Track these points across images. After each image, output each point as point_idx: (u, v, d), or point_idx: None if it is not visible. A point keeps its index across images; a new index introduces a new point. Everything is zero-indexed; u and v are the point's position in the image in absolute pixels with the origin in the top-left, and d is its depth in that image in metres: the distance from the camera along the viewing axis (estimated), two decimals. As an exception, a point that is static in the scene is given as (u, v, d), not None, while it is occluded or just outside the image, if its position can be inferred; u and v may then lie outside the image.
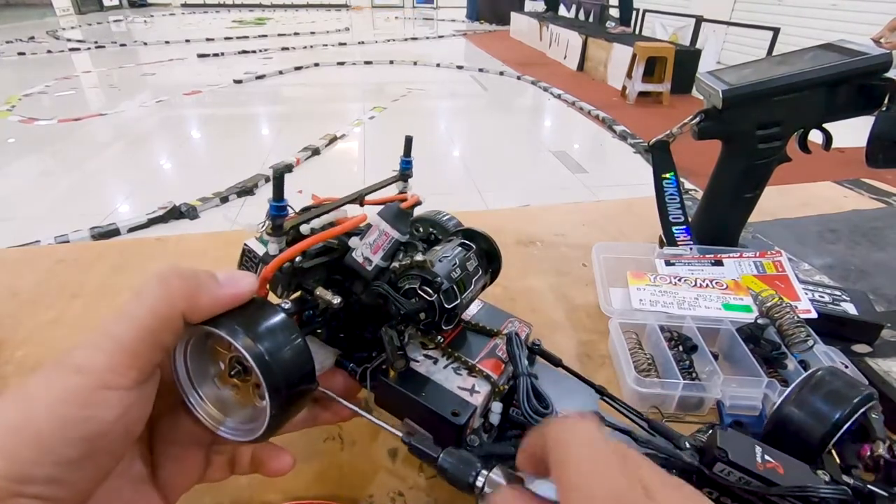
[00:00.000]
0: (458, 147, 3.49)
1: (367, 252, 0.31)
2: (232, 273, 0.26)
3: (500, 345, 0.35)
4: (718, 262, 0.58)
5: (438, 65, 5.95)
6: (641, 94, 4.43)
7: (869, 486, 0.29)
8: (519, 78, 5.37)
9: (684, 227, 0.60)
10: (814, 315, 0.49)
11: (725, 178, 0.58)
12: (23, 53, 6.26)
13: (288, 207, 0.29)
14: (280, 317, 0.26)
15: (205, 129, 3.75)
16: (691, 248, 0.59)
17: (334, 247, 0.33)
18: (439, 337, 0.34)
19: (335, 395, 0.30)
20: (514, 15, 8.31)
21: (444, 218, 0.41)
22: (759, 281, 0.54)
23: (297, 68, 5.62)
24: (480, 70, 5.68)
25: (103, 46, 6.82)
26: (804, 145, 0.57)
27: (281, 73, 5.42)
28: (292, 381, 0.25)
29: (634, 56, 4.39)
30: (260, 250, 0.31)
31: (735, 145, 0.56)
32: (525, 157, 3.32)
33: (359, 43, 7.65)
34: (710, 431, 0.30)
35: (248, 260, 0.32)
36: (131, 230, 2.21)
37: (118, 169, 2.99)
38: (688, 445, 0.29)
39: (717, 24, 5.52)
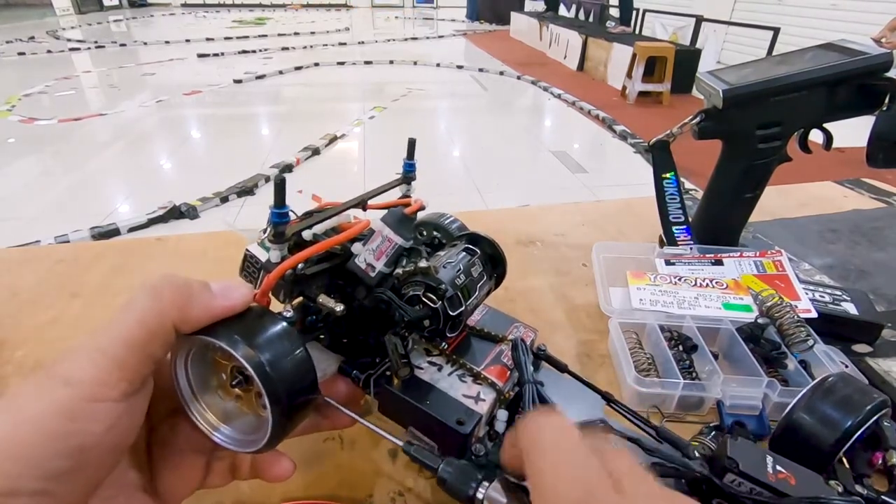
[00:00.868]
0: (458, 147, 3.49)
1: (370, 258, 0.31)
2: (226, 283, 0.26)
3: (505, 351, 0.34)
4: (718, 262, 0.58)
5: (438, 65, 5.95)
6: (641, 93, 4.43)
7: (882, 496, 0.29)
8: (519, 78, 5.37)
9: (684, 226, 0.60)
10: (814, 315, 0.49)
11: (725, 178, 0.58)
12: (23, 53, 6.26)
13: (290, 213, 0.29)
14: (281, 326, 0.26)
15: (205, 128, 3.75)
16: (691, 248, 0.59)
17: (337, 252, 0.33)
18: (444, 343, 0.34)
19: (338, 405, 0.29)
20: (514, 15, 8.31)
21: (448, 221, 0.41)
22: (759, 280, 0.54)
23: (298, 68, 5.62)
24: (480, 70, 5.68)
25: (103, 46, 6.82)
26: (804, 145, 0.57)
27: (281, 72, 5.41)
28: (294, 390, 0.25)
29: (634, 56, 4.39)
30: (262, 256, 0.30)
31: (735, 145, 0.56)
32: (525, 157, 3.32)
33: (359, 43, 7.65)
34: (720, 440, 0.29)
35: (250, 265, 0.32)
36: (131, 230, 2.21)
37: (118, 169, 2.99)
38: (697, 455, 0.29)
39: (717, 23, 5.51)
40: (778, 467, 0.27)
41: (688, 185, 2.36)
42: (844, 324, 0.50)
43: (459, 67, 5.85)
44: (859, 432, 0.31)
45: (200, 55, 6.28)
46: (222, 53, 6.42)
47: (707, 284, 0.53)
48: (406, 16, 12.40)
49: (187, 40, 7.29)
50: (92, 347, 0.22)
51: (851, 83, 0.50)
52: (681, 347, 0.47)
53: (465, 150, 3.43)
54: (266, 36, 7.97)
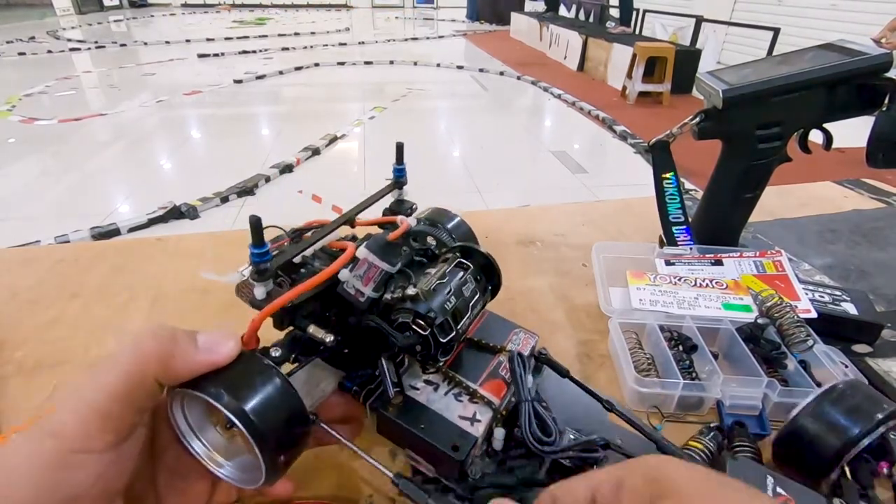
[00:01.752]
0: (459, 147, 3.49)
1: (357, 284, 0.31)
2: (212, 337, 0.25)
3: (503, 362, 0.34)
4: (718, 262, 0.58)
5: (438, 65, 5.95)
6: (641, 94, 4.43)
7: None
8: (519, 78, 5.36)
9: (684, 226, 0.60)
10: (814, 315, 0.49)
11: (725, 178, 0.58)
12: (23, 53, 6.26)
13: (270, 252, 0.28)
14: (266, 372, 0.26)
15: (205, 129, 3.75)
16: (691, 248, 0.59)
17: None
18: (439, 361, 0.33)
19: (332, 430, 0.29)
20: (514, 15, 8.31)
21: (447, 221, 0.40)
22: (759, 281, 0.54)
23: (298, 68, 5.62)
24: (480, 70, 5.68)
25: (103, 46, 6.82)
26: (804, 145, 0.57)
27: (281, 73, 5.41)
28: (282, 435, 0.25)
29: (634, 56, 4.39)
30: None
31: (735, 145, 0.56)
32: (525, 157, 3.32)
33: (359, 43, 7.65)
34: (721, 459, 0.29)
35: (247, 288, 0.32)
36: (131, 230, 2.21)
37: (118, 169, 2.99)
38: None
39: (717, 24, 5.51)
40: (779, 489, 0.26)
41: (688, 185, 2.36)
42: (844, 324, 0.50)
43: (459, 68, 5.85)
44: (867, 441, 0.31)
45: (201, 55, 6.28)
46: (222, 54, 6.42)
47: (707, 284, 0.53)
48: (406, 16, 12.40)
49: (188, 40, 7.29)
50: (77, 399, 0.22)
51: (851, 83, 0.50)
52: (681, 347, 0.47)
53: (466, 150, 3.43)
54: (266, 36, 7.97)
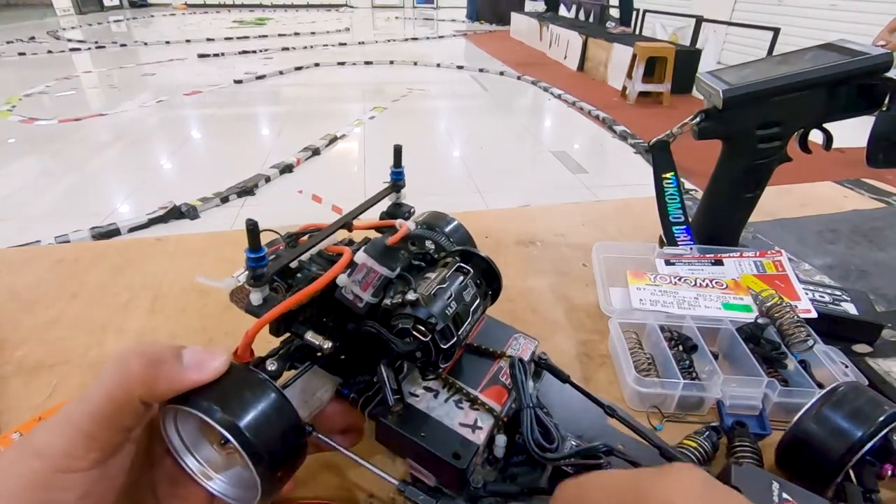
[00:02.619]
0: (459, 147, 3.49)
1: (356, 289, 0.30)
2: (199, 353, 0.25)
3: (503, 368, 0.33)
4: (718, 262, 0.58)
5: (439, 65, 5.95)
6: (641, 94, 4.43)
7: None
8: (519, 78, 5.37)
9: (684, 226, 0.60)
10: (814, 315, 0.49)
11: (725, 178, 0.58)
12: (23, 53, 6.26)
13: (266, 257, 0.28)
14: (260, 387, 0.25)
15: (205, 129, 3.75)
16: (691, 248, 0.59)
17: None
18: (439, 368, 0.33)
19: (332, 443, 0.29)
20: (514, 15, 8.31)
21: (445, 225, 0.40)
22: (759, 280, 0.54)
23: (298, 68, 5.62)
24: (481, 70, 5.68)
25: (104, 46, 6.82)
26: (804, 145, 0.57)
27: (281, 73, 5.42)
28: (278, 450, 0.25)
29: (634, 56, 4.39)
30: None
31: (735, 145, 0.56)
32: (525, 158, 3.32)
33: (359, 43, 7.66)
34: (725, 466, 0.28)
35: (241, 293, 0.31)
36: (131, 230, 2.22)
37: (118, 169, 2.99)
38: None
39: (717, 24, 5.51)
40: (785, 495, 0.26)
41: (688, 185, 2.36)
42: (844, 324, 0.50)
43: (460, 68, 5.85)
44: (870, 444, 0.31)
45: (201, 55, 6.29)
46: (223, 54, 6.42)
47: (707, 284, 0.53)
48: (406, 16, 12.40)
49: (188, 40, 7.30)
50: (63, 420, 0.23)
51: (851, 83, 0.50)
52: (681, 347, 0.47)
53: (466, 150, 3.43)
54: (266, 36, 7.97)
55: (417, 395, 0.31)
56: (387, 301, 0.31)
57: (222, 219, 2.39)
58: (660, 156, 0.60)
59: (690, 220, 0.61)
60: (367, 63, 6.08)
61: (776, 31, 4.60)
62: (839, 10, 4.99)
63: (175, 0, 12.64)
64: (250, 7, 12.87)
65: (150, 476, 0.27)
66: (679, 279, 0.54)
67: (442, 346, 0.30)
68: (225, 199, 2.52)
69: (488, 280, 0.35)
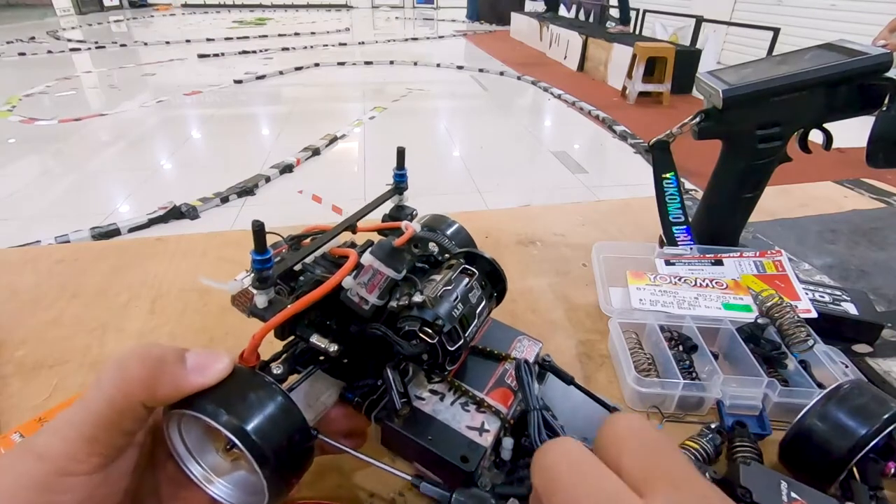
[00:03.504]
0: (459, 147, 3.49)
1: (362, 292, 0.30)
2: (202, 356, 0.25)
3: (508, 370, 0.33)
4: (718, 262, 0.58)
5: (439, 65, 5.95)
6: (641, 94, 4.43)
7: None
8: (519, 78, 5.37)
9: (684, 226, 0.60)
10: (814, 315, 0.49)
11: (725, 178, 0.58)
12: (23, 54, 6.26)
13: (272, 259, 0.27)
14: (265, 389, 0.25)
15: (205, 129, 3.75)
16: (691, 248, 0.59)
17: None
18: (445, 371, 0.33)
19: (337, 444, 0.29)
20: (514, 15, 8.31)
21: (446, 227, 0.40)
22: (759, 280, 0.54)
23: (298, 68, 5.62)
24: (480, 70, 5.68)
25: (104, 47, 6.82)
26: (804, 145, 0.57)
27: (281, 73, 5.42)
28: (285, 455, 0.24)
29: (634, 56, 4.39)
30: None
31: (735, 145, 0.56)
32: (525, 157, 3.32)
33: (359, 43, 7.66)
34: (732, 466, 0.28)
35: (244, 297, 0.31)
36: (132, 230, 2.21)
37: (119, 169, 2.99)
38: (708, 477, 0.28)
39: (717, 24, 5.51)
40: (793, 494, 0.26)
41: (688, 185, 2.36)
42: (844, 324, 0.50)
43: (460, 68, 5.85)
44: (874, 441, 0.31)
45: (201, 55, 6.29)
46: (223, 54, 6.42)
47: (707, 284, 0.53)
48: (406, 16, 12.40)
49: (188, 41, 7.30)
50: (65, 423, 0.22)
51: (851, 83, 0.50)
52: (681, 347, 0.47)
53: (466, 150, 3.43)
54: (266, 36, 7.97)
55: (423, 398, 0.31)
56: (392, 303, 0.31)
57: (222, 219, 2.39)
58: (660, 156, 0.60)
59: (690, 220, 0.61)
60: (367, 63, 6.08)
61: (776, 31, 4.60)
62: (839, 10, 4.99)
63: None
64: (250, 7, 12.88)
65: (153, 479, 0.27)
66: (679, 279, 0.54)
67: (448, 348, 0.30)
68: (225, 200, 2.52)
69: (493, 282, 0.35)
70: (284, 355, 0.31)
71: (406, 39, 8.21)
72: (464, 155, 3.33)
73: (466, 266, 0.34)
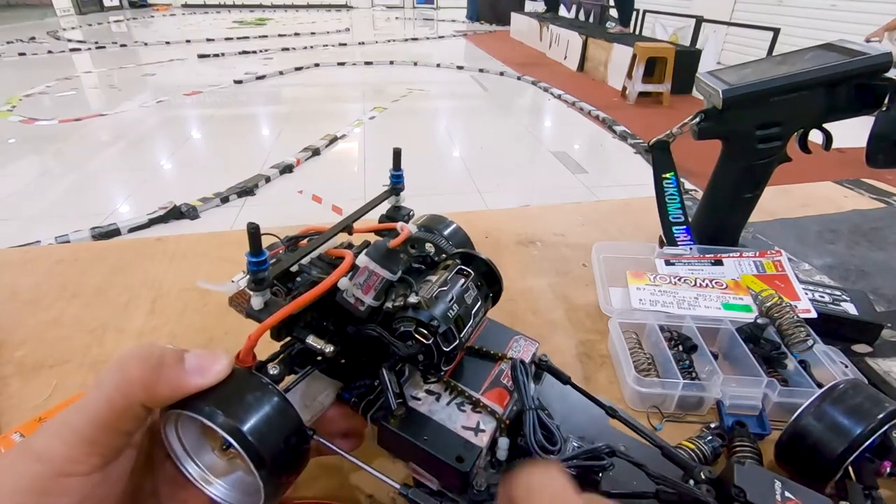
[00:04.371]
0: (459, 147, 3.49)
1: (357, 293, 0.30)
2: (201, 357, 0.25)
3: (504, 370, 0.33)
4: (718, 262, 0.58)
5: (439, 65, 5.96)
6: (641, 94, 4.43)
7: None
8: (519, 78, 5.37)
9: (684, 226, 0.60)
10: (814, 315, 0.49)
11: (725, 178, 0.58)
12: (23, 54, 6.26)
13: (267, 260, 0.27)
14: (262, 390, 0.25)
15: (205, 129, 3.75)
16: (691, 248, 0.59)
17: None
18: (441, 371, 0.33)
19: (334, 447, 0.29)
20: (514, 15, 8.31)
21: (444, 227, 0.40)
22: (758, 280, 0.54)
23: (298, 69, 5.62)
24: (481, 70, 5.68)
25: (104, 47, 6.83)
26: (804, 145, 0.57)
27: (281, 73, 5.42)
28: (281, 455, 0.24)
29: (634, 56, 4.39)
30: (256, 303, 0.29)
31: (735, 145, 0.56)
32: (525, 158, 3.32)
33: (359, 43, 7.66)
34: (726, 465, 0.28)
35: (241, 298, 0.31)
36: (132, 230, 2.21)
37: (119, 169, 2.99)
38: (703, 477, 0.28)
39: (717, 24, 5.52)
40: (787, 493, 0.26)
41: (688, 185, 2.36)
42: (844, 324, 0.50)
43: (460, 68, 5.85)
44: (869, 441, 0.31)
45: (201, 56, 6.29)
46: (223, 54, 6.42)
47: (707, 284, 0.53)
48: (406, 16, 12.40)
49: (188, 41, 7.30)
50: (64, 424, 0.22)
51: (851, 83, 0.50)
52: (681, 347, 0.47)
53: (466, 150, 3.43)
54: (266, 36, 7.97)
55: (419, 399, 0.31)
56: (388, 304, 0.31)
57: (222, 219, 2.39)
58: (660, 156, 0.60)
59: (690, 220, 0.61)
60: (368, 63, 6.08)
61: (776, 31, 4.60)
62: (839, 10, 4.99)
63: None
64: (250, 7, 12.88)
65: (151, 479, 0.27)
66: (679, 279, 0.54)
67: (444, 348, 0.30)
68: (225, 200, 2.52)
69: (489, 282, 0.35)
70: (281, 356, 0.31)
71: (406, 40, 8.21)
72: (464, 155, 3.33)
73: (462, 267, 0.34)
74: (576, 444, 0.30)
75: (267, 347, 0.31)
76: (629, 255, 0.61)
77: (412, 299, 0.30)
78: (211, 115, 4.04)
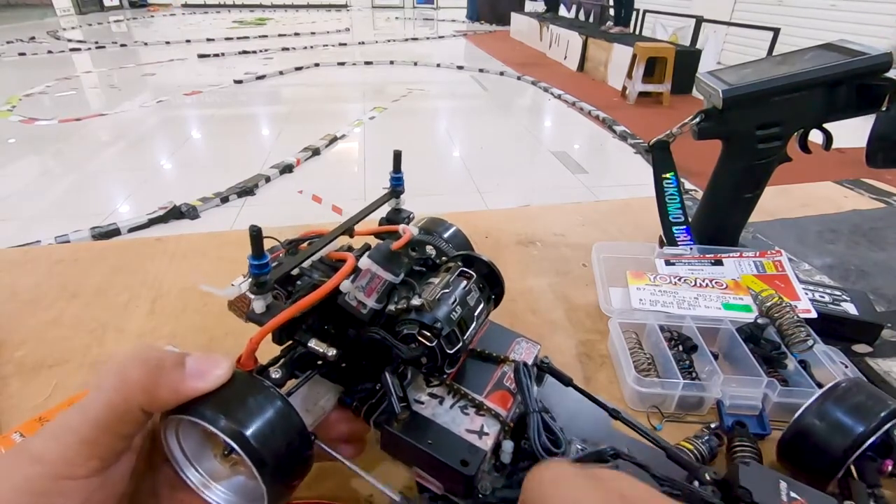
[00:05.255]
0: (459, 147, 3.49)
1: (360, 295, 0.30)
2: (201, 360, 0.25)
3: (507, 373, 0.33)
4: (718, 262, 0.58)
5: (439, 65, 5.96)
6: (642, 94, 4.43)
7: None
8: (519, 78, 5.37)
9: (684, 226, 0.60)
10: (814, 315, 0.49)
11: (725, 178, 0.58)
12: (23, 54, 6.26)
13: (269, 263, 0.27)
14: (264, 394, 0.25)
15: (205, 129, 3.75)
16: (691, 248, 0.59)
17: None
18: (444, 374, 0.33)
19: (334, 453, 0.29)
20: (514, 15, 8.31)
21: (443, 230, 0.40)
22: (759, 281, 0.54)
23: (298, 68, 5.62)
24: (481, 70, 5.68)
25: (104, 47, 6.83)
26: (804, 145, 0.57)
27: (281, 73, 5.42)
28: (284, 459, 0.24)
29: (634, 56, 4.39)
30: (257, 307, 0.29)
31: (735, 145, 0.56)
32: (525, 158, 3.32)
33: (359, 43, 7.66)
34: (731, 466, 0.28)
35: (242, 302, 0.31)
36: (131, 230, 2.22)
37: (119, 169, 2.99)
38: (708, 478, 0.28)
39: (717, 24, 5.52)
40: (792, 493, 0.26)
41: (688, 185, 2.36)
42: (844, 324, 0.50)
43: (460, 68, 5.85)
44: (871, 439, 0.31)
45: (201, 56, 6.29)
46: (223, 54, 6.43)
47: (707, 285, 0.53)
48: (406, 16, 12.40)
49: (188, 41, 7.30)
50: (63, 427, 0.22)
51: (851, 83, 0.50)
52: (681, 347, 0.47)
53: (466, 150, 3.43)
54: (266, 36, 7.97)
55: (422, 402, 0.31)
56: (391, 307, 0.30)
57: (222, 219, 2.39)
58: (660, 156, 0.60)
59: (690, 220, 0.61)
60: (368, 63, 6.08)
61: (776, 31, 4.60)
62: (839, 10, 4.99)
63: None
64: (250, 7, 12.88)
65: (151, 482, 0.27)
66: (679, 279, 0.54)
67: (447, 351, 0.29)
68: (225, 199, 2.52)
69: (491, 284, 0.35)
70: (283, 360, 0.31)
71: (406, 39, 8.22)
72: (464, 155, 3.33)
73: (464, 269, 0.34)
74: (579, 447, 0.30)
75: (268, 352, 0.31)
76: (629, 255, 0.61)
77: (415, 302, 0.29)
78: (211, 115, 4.04)
